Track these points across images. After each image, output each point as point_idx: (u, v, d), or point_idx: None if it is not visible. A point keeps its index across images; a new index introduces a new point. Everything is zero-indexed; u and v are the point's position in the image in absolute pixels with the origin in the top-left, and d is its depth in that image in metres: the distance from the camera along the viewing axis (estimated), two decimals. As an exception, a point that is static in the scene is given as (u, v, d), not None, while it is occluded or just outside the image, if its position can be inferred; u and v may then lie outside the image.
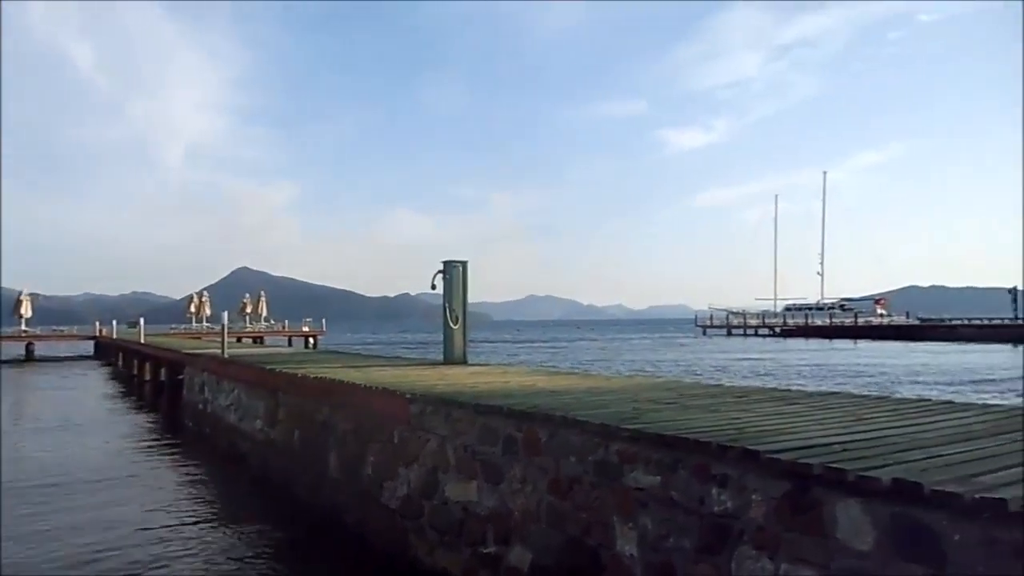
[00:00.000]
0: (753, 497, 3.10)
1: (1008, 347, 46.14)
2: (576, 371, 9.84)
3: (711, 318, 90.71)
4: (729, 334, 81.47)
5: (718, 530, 3.23)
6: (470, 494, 5.05)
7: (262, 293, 56.23)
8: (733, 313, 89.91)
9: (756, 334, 79.03)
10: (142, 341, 26.35)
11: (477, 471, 5.00)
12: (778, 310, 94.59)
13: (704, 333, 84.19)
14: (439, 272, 10.15)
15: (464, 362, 10.08)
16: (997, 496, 2.37)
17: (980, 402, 4.90)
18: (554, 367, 19.16)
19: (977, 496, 2.40)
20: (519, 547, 4.50)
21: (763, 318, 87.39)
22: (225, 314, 14.94)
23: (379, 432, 6.57)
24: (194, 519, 7.35)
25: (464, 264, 10.20)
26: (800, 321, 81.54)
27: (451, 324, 10.16)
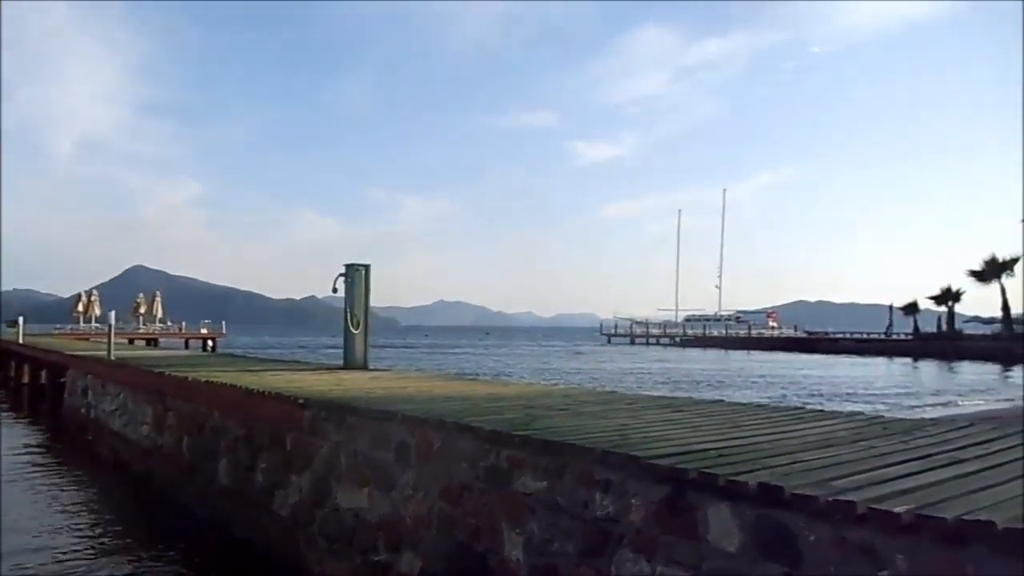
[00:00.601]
0: (633, 501, 3.21)
1: (883, 359, 49.51)
2: (477, 378, 9.89)
3: (615, 327, 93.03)
4: (632, 343, 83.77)
5: (600, 534, 3.32)
6: (362, 501, 4.99)
7: (157, 293, 53.60)
8: (636, 323, 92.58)
9: (658, 343, 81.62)
10: (20, 341, 24.57)
11: (370, 478, 4.95)
12: (679, 321, 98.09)
13: (609, 341, 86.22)
14: (341, 275, 9.99)
15: (365, 367, 9.95)
16: (848, 498, 2.55)
17: (847, 411, 5.24)
18: (457, 373, 19.15)
19: (830, 498, 2.57)
20: (409, 554, 4.48)
21: (664, 328, 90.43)
22: (112, 314, 14.18)
23: (271, 438, 6.41)
24: (71, 531, 6.92)
25: (366, 268, 10.08)
26: (699, 332, 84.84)
27: (352, 328, 10.01)
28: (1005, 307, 58.09)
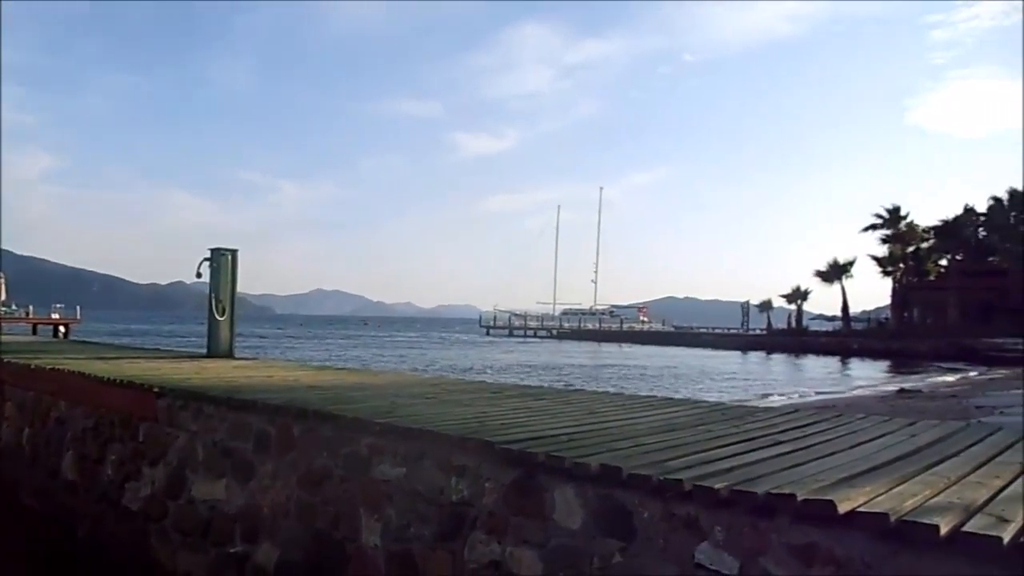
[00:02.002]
0: (487, 485, 3.35)
1: (738, 353, 53.01)
2: (346, 367, 9.79)
3: (495, 319, 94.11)
4: (511, 335, 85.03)
5: (455, 518, 3.44)
6: (218, 492, 4.86)
7: (1, 274, 48.92)
8: (515, 315, 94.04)
9: (535, 335, 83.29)
10: None
11: (227, 468, 4.83)
12: (556, 314, 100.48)
13: (487, 333, 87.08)
14: (205, 260, 9.58)
15: (230, 356, 9.60)
16: (677, 477, 2.79)
17: (693, 399, 5.64)
18: (329, 363, 18.78)
19: (662, 477, 2.81)
20: (267, 544, 4.42)
21: (542, 321, 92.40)
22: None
23: (123, 429, 6.09)
24: None
25: (233, 252, 9.71)
26: (574, 325, 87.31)
27: (217, 315, 9.63)
28: (844, 306, 63.80)
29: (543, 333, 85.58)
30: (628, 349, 56.91)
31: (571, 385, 22.23)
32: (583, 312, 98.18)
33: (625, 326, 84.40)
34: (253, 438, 4.65)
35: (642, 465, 2.99)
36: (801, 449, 3.40)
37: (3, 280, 47.94)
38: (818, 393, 21.91)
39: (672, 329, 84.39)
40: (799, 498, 2.47)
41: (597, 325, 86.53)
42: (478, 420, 4.07)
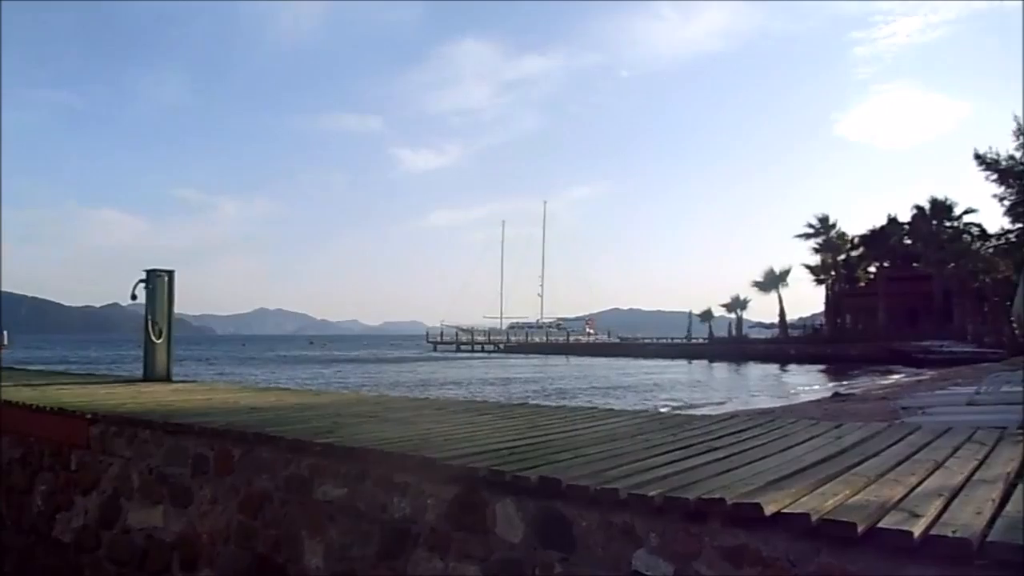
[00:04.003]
0: (429, 502, 3.36)
1: (681, 362, 53.97)
2: (287, 387, 9.65)
3: (441, 334, 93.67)
4: (458, 349, 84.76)
5: (397, 535, 3.44)
6: (155, 520, 4.74)
7: (-87, 297, 46.39)
8: (462, 330, 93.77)
9: (483, 350, 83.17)
10: None
11: (164, 495, 4.71)
12: (503, 328, 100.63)
13: (435, 349, 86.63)
14: (140, 281, 9.34)
15: (167, 379, 9.35)
16: (613, 486, 2.87)
17: (634, 409, 5.76)
18: (271, 384, 18.41)
19: (599, 487, 2.88)
20: (206, 571, 4.33)
21: (489, 335, 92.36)
22: None
23: (53, 458, 5.87)
24: None
25: (170, 273, 9.49)
26: (521, 338, 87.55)
27: (153, 338, 9.37)
28: (781, 314, 65.80)
29: (490, 347, 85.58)
30: (575, 361, 57.35)
31: (517, 399, 22.32)
32: (530, 325, 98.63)
33: (572, 338, 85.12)
34: (191, 463, 4.56)
35: (582, 476, 3.05)
36: (735, 454, 3.53)
37: (-80, 305, 45.54)
38: (756, 398, 22.48)
39: (618, 340, 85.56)
40: (729, 502, 2.57)
41: (544, 338, 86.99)
42: (421, 437, 4.08)
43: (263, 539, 4.02)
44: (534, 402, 13.06)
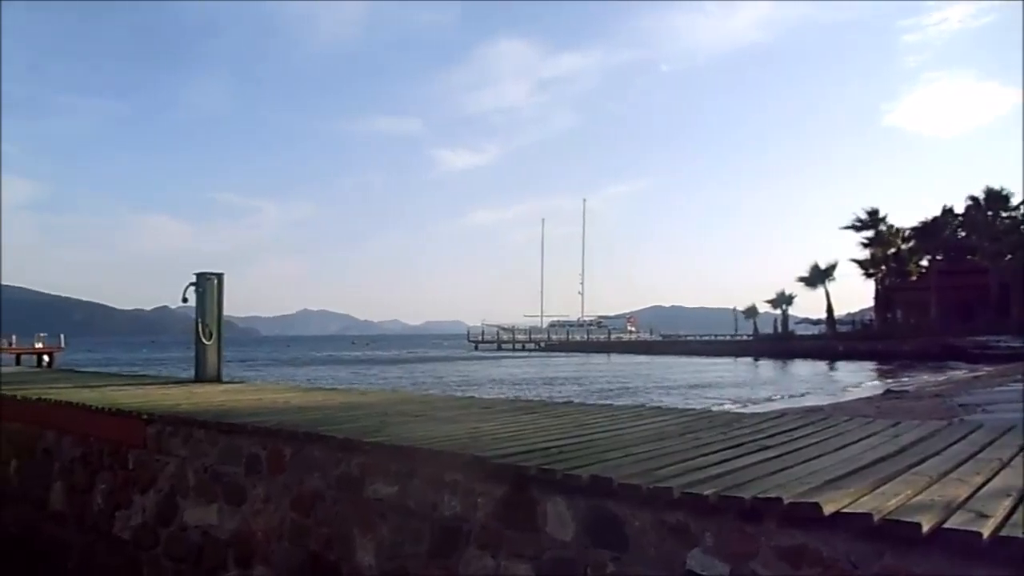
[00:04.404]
0: (479, 500, 3.37)
1: (725, 359, 53.21)
2: (335, 387, 9.78)
3: (483, 333, 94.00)
4: (499, 348, 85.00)
5: (448, 533, 3.46)
6: (210, 517, 4.85)
7: (-21, 304, 48.31)
8: (503, 329, 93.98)
9: (524, 349, 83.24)
10: None
11: (218, 493, 4.82)
12: (544, 326, 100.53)
13: (476, 348, 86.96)
14: (191, 284, 9.57)
15: (218, 380, 9.56)
16: (666, 485, 2.84)
17: (681, 407, 5.69)
18: (317, 383, 18.71)
19: (651, 486, 2.85)
20: (261, 568, 4.42)
21: (530, 334, 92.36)
22: (-79, 328, 12.71)
23: (112, 458, 6.06)
24: None
25: (219, 276, 9.70)
26: (562, 337, 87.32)
27: (204, 340, 9.60)
28: (829, 309, 64.34)
29: (531, 346, 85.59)
30: (617, 359, 57.01)
31: (560, 398, 22.28)
32: (571, 324, 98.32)
33: (613, 336, 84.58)
34: (244, 462, 4.65)
35: (632, 475, 3.02)
36: (788, 453, 3.46)
37: (-16, 311, 47.37)
38: (804, 396, 22.05)
39: (660, 338, 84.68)
40: (785, 501, 2.52)
41: (585, 336, 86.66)
42: (469, 436, 4.09)
43: (316, 537, 4.08)
44: (578, 401, 13.03)
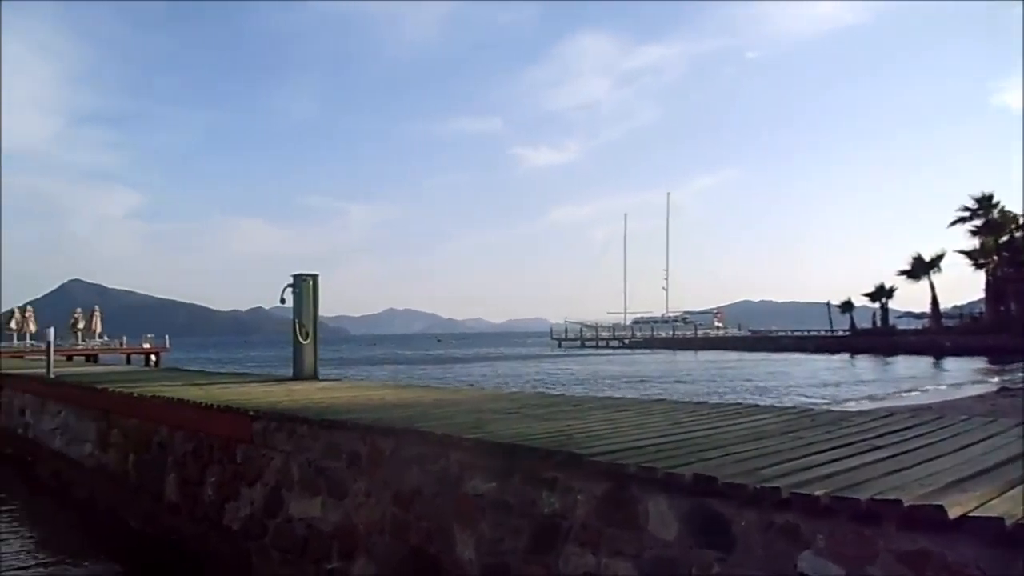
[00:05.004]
0: (578, 497, 3.36)
1: (820, 356, 51.09)
2: (426, 384, 9.98)
3: (566, 331, 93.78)
4: (583, 346, 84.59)
5: (547, 530, 3.47)
6: (314, 510, 5.03)
7: (96, 307, 51.81)
8: (587, 326, 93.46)
9: (607, 346, 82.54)
10: (-53, 361, 23.53)
11: (321, 487, 5.00)
12: (628, 323, 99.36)
13: (559, 345, 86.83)
14: (288, 286, 9.96)
15: (314, 377, 9.92)
16: (774, 485, 2.75)
17: (780, 405, 5.52)
18: (406, 381, 19.13)
19: (758, 486, 2.77)
20: (363, 560, 4.55)
21: (614, 331, 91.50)
22: (51, 330, 13.73)
23: (220, 452, 6.37)
24: (11, 562, 6.72)
25: (314, 277, 10.06)
26: (647, 333, 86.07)
27: (301, 339, 9.97)
28: (934, 302, 60.75)
29: (615, 343, 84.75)
30: (704, 356, 55.76)
31: (650, 395, 21.97)
32: (655, 320, 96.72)
33: (700, 333, 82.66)
34: (345, 457, 4.80)
35: (736, 474, 2.95)
36: (902, 454, 3.30)
37: (98, 314, 50.74)
38: (909, 394, 20.94)
39: (749, 334, 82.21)
40: (905, 504, 2.40)
41: (671, 333, 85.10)
42: (563, 433, 4.09)
43: (416, 531, 4.17)
44: (667, 397, 12.81)
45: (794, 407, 5.27)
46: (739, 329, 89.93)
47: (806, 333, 74.70)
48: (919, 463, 3.07)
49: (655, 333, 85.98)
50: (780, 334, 77.42)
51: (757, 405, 5.46)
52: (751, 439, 3.83)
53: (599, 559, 3.24)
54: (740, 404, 5.57)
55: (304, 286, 9.95)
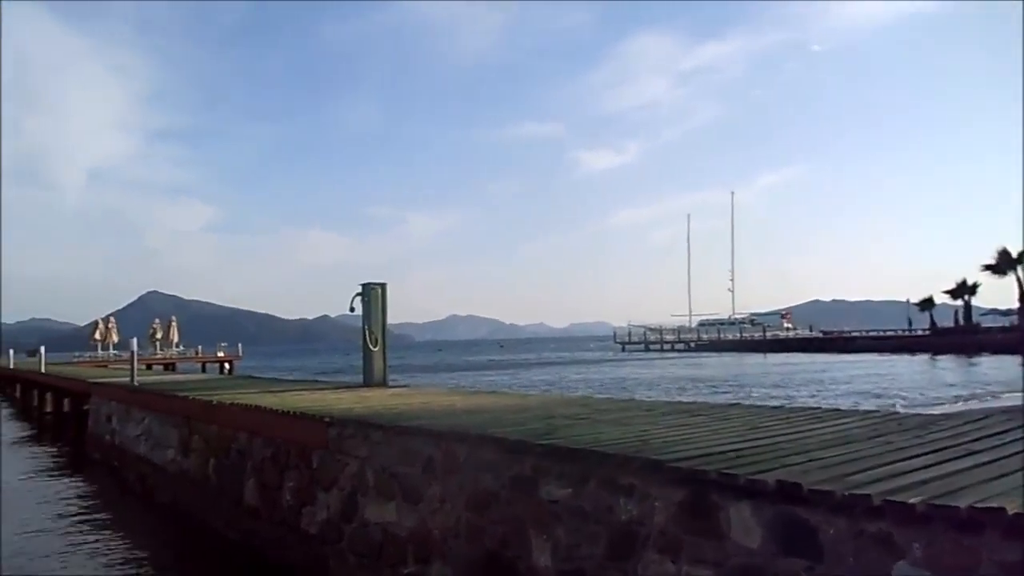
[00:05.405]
0: (656, 504, 3.31)
1: (898, 357, 49.06)
2: (495, 390, 10.01)
3: (629, 334, 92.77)
4: (647, 349, 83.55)
5: (625, 537, 3.42)
6: (389, 515, 5.10)
7: (173, 318, 54.02)
8: (650, 329, 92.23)
9: (672, 349, 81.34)
10: (42, 371, 24.90)
11: (396, 492, 5.06)
12: (693, 325, 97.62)
13: (623, 349, 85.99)
14: (358, 295, 10.15)
15: (384, 384, 10.08)
16: (864, 492, 2.65)
17: (863, 409, 5.32)
18: (474, 387, 19.25)
19: (847, 493, 2.67)
20: (439, 564, 4.59)
21: (679, 333, 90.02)
22: (134, 340, 14.38)
23: (297, 457, 6.53)
24: (102, 562, 7.03)
25: (383, 286, 10.23)
26: (713, 336, 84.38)
27: (370, 346, 10.15)
28: (1022, 298, 57.50)
29: (680, 346, 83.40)
30: (773, 359, 54.33)
31: (721, 399, 21.53)
32: (721, 322, 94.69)
33: (768, 334, 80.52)
34: (420, 462, 4.85)
35: (822, 480, 2.86)
36: (1002, 459, 3.13)
37: (175, 324, 52.85)
38: (1001, 397, 19.89)
39: (820, 334, 79.59)
40: (1010, 512, 2.28)
41: (738, 335, 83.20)
42: (639, 439, 4.04)
43: (491, 536, 4.18)
44: (741, 401, 12.50)
45: (878, 410, 5.07)
46: (810, 330, 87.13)
47: (882, 333, 71.88)
48: (1021, 469, 2.91)
49: (721, 335, 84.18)
50: (854, 334, 74.74)
51: (838, 409, 5.27)
52: (836, 444, 3.70)
53: (679, 567, 3.18)
54: (820, 408, 5.39)
55: (373, 295, 10.13)
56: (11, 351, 41.12)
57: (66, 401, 20.50)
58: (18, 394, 29.49)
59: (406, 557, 4.89)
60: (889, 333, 70.26)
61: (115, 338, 49.45)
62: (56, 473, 11.73)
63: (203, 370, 44.24)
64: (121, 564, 6.82)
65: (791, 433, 4.14)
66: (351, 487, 5.63)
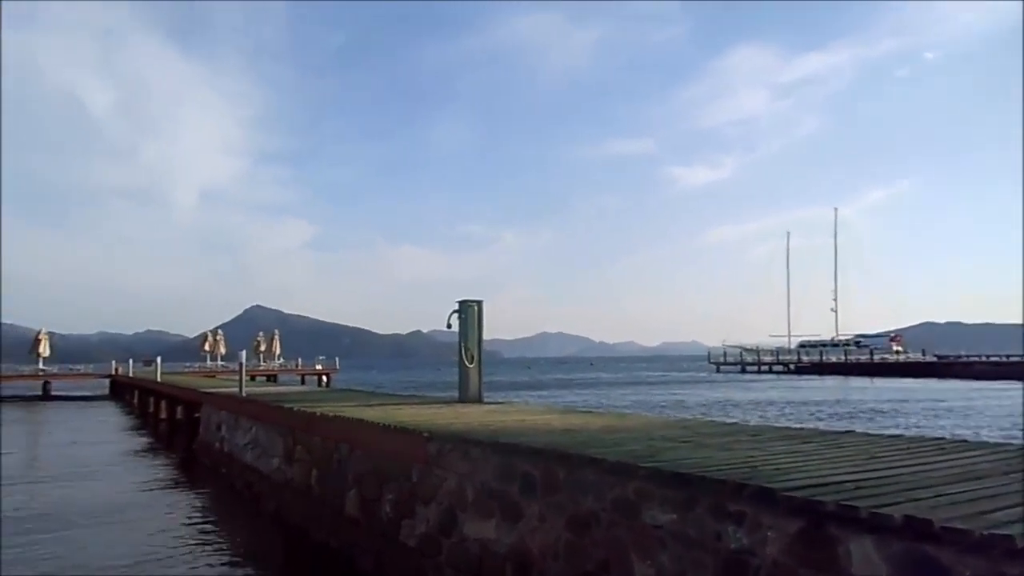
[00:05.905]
0: (769, 534, 3.17)
1: (1028, 384, 45.44)
2: (590, 410, 9.91)
3: (724, 355, 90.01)
4: (743, 371, 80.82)
5: (735, 566, 3.30)
6: (488, 532, 5.11)
7: (276, 331, 56.53)
8: (747, 350, 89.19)
9: (770, 371, 78.35)
10: (158, 380, 26.56)
11: (495, 509, 5.07)
12: (792, 347, 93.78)
13: (718, 370, 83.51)
14: (454, 312, 10.30)
15: (480, 401, 10.16)
16: (1006, 532, 2.45)
17: (993, 442, 4.94)
18: (568, 405, 19.13)
19: (986, 532, 2.47)
20: (538, 585, 4.55)
21: (777, 355, 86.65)
22: (243, 353, 15.13)
23: (397, 471, 6.65)
24: (208, 563, 7.36)
25: (479, 304, 10.35)
26: (815, 358, 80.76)
27: (467, 363, 10.27)
28: None
29: (779, 368, 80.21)
30: (882, 383, 51.44)
31: (829, 425, 20.56)
32: (824, 344, 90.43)
33: (876, 357, 76.33)
34: (519, 480, 4.85)
35: (954, 517, 2.66)
36: None
37: (278, 337, 55.24)
38: None
39: (934, 359, 74.77)
40: None
41: (842, 357, 79.29)
42: (747, 465, 3.89)
43: (591, 558, 4.12)
44: (851, 428, 11.79)
45: (1009, 444, 4.70)
46: (923, 353, 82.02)
47: (1005, 359, 66.84)
48: None
49: (824, 358, 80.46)
50: (972, 359, 69.84)
51: (965, 440, 4.92)
52: (965, 479, 3.45)
53: (794, 601, 3.03)
54: (944, 439, 5.05)
55: (469, 312, 10.26)
56: (130, 360, 44.16)
57: (179, 408, 21.76)
58: (135, 400, 31.54)
59: (504, 574, 4.88)
60: (1014, 359, 65.21)
61: (222, 350, 52.21)
62: (175, 484, 12.40)
63: (302, 382, 45.98)
64: (230, 563, 7.12)
65: (913, 465, 3.88)
66: (450, 502, 5.68)
